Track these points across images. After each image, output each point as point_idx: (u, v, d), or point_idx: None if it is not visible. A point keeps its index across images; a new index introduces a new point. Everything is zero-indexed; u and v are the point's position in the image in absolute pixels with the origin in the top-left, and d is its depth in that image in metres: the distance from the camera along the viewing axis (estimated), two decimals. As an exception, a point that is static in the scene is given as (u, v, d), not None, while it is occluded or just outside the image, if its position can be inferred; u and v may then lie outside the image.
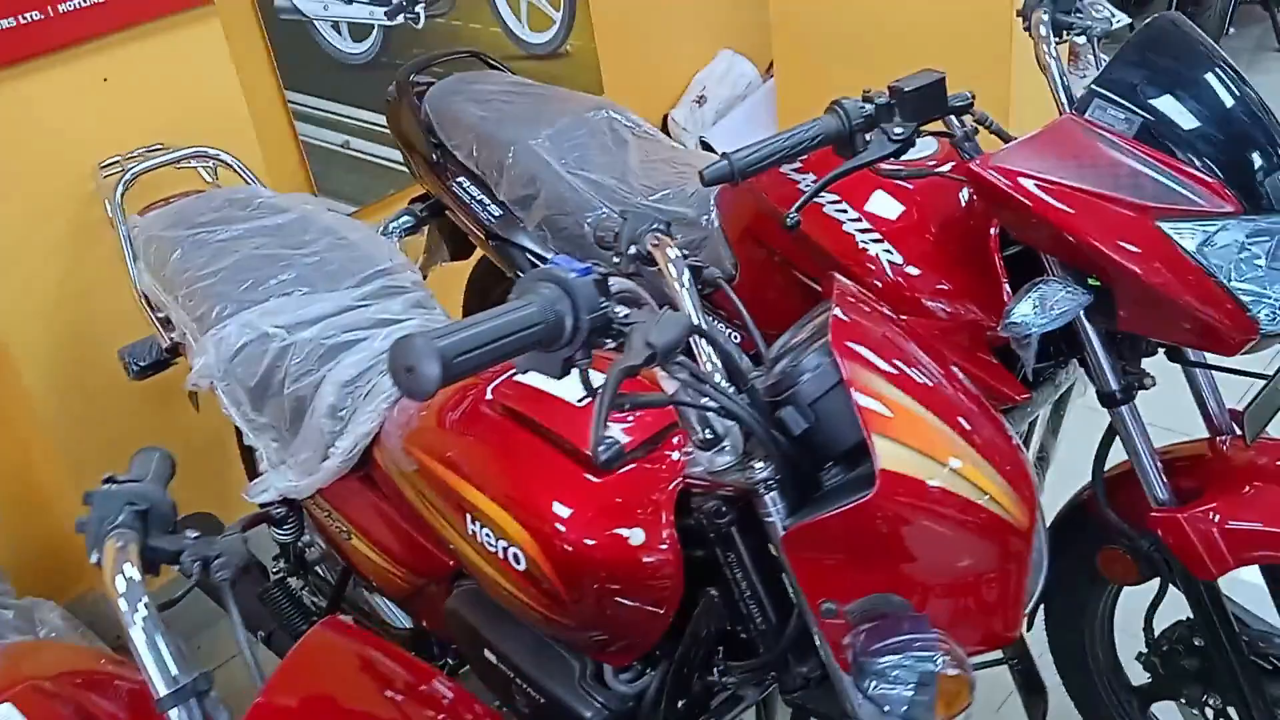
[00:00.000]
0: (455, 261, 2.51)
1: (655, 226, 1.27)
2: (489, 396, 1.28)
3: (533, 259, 2.10)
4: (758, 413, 0.96)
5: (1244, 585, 1.52)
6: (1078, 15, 1.62)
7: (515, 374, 1.26)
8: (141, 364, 1.89)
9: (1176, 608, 1.55)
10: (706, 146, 3.72)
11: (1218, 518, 1.39)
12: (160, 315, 1.86)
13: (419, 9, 2.95)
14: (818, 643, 0.99)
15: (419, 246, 2.52)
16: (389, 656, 0.97)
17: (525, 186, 2.06)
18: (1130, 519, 1.51)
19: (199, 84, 2.27)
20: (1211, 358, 1.43)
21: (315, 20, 2.76)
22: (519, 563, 1.16)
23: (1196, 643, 1.57)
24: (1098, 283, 1.33)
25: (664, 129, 3.80)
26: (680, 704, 1.20)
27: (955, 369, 1.05)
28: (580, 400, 1.08)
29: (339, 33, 2.82)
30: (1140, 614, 1.63)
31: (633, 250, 1.28)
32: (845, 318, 0.99)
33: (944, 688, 0.89)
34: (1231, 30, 4.74)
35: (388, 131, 2.49)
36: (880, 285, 1.54)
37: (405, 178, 2.91)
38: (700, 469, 1.05)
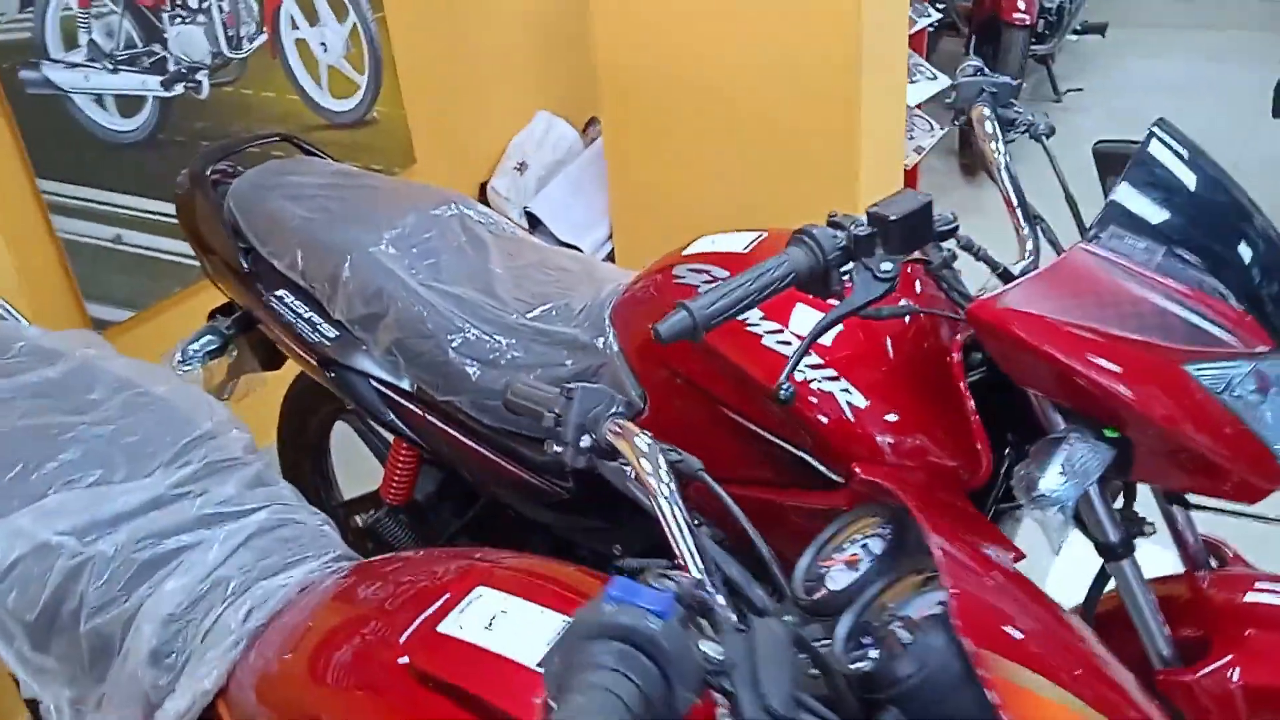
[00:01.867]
0: (268, 372, 2.11)
1: (615, 411, 0.98)
2: (401, 658, 0.94)
3: (380, 388, 1.75)
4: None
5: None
6: (1017, 110, 1.45)
7: (443, 627, 0.93)
8: None
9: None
10: (531, 217, 3.43)
11: (1236, 676, 1.23)
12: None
13: (201, 77, 2.51)
14: None
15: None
16: None
17: (368, 304, 1.70)
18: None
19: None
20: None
21: (74, 94, 2.28)
22: None
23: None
24: (1115, 434, 1.14)
25: (483, 199, 3.48)
26: None
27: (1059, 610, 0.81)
28: (539, 663, 0.79)
29: (104, 108, 2.35)
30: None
31: (585, 441, 0.98)
32: (960, 581, 0.73)
33: None
34: (1022, 84, 4.92)
35: (169, 220, 2.07)
36: (833, 429, 1.30)
37: (191, 271, 2.48)
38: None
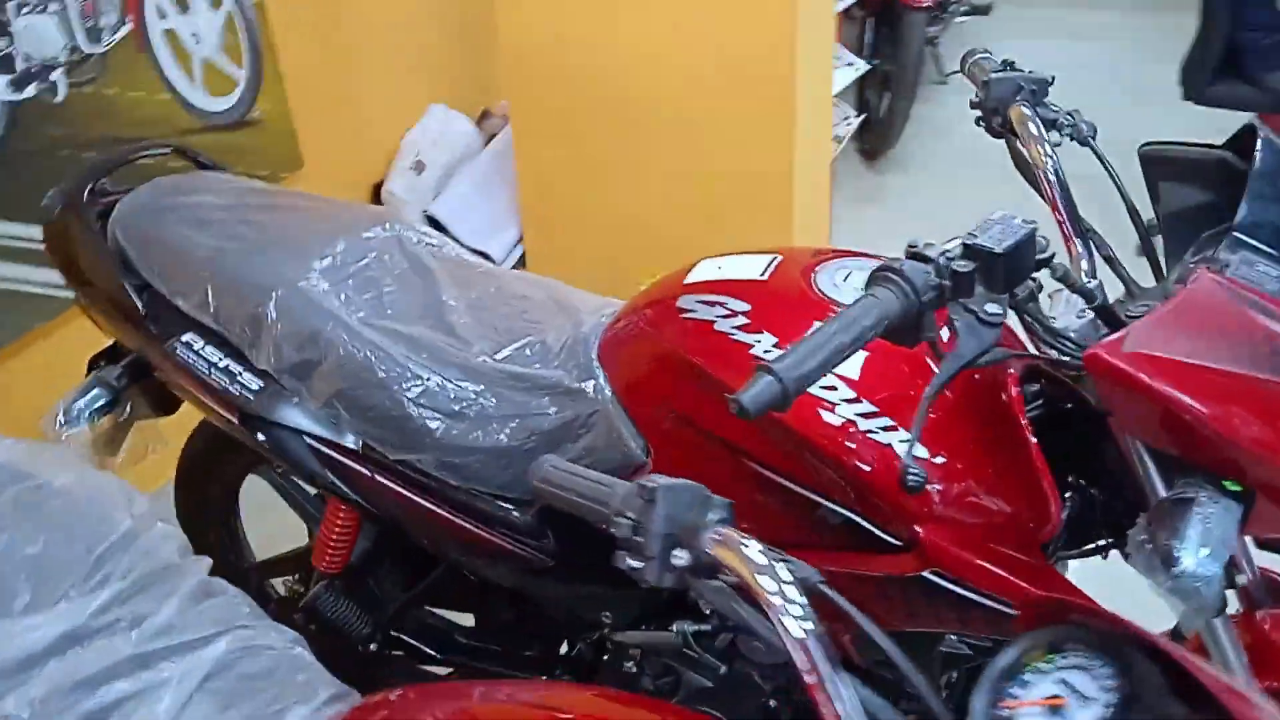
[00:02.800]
0: (164, 417, 1.80)
1: (717, 517, 0.77)
2: None
3: (317, 447, 1.48)
4: None
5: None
6: (1054, 109, 1.30)
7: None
8: None
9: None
10: (433, 222, 3.16)
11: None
12: None
13: (57, 76, 2.16)
14: None
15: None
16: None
17: (301, 350, 1.44)
18: None
19: None
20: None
21: (-99, 100, 1.92)
22: None
23: None
24: (1239, 487, 1.00)
25: (376, 202, 3.19)
26: None
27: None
28: None
29: (-60, 116, 1.99)
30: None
31: (681, 558, 0.77)
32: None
33: None
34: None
35: (23, 245, 1.74)
36: (894, 487, 1.13)
37: (53, 303, 2.15)
38: None
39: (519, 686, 0.94)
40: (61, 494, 1.11)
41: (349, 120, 3.05)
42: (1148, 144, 1.25)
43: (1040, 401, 1.22)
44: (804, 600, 0.73)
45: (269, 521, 2.03)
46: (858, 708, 0.72)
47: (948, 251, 0.94)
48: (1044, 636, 0.73)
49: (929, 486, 1.14)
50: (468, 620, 1.80)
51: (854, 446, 1.14)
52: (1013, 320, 1.17)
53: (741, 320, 1.23)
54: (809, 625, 0.72)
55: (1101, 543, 1.23)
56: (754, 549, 0.75)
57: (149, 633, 0.98)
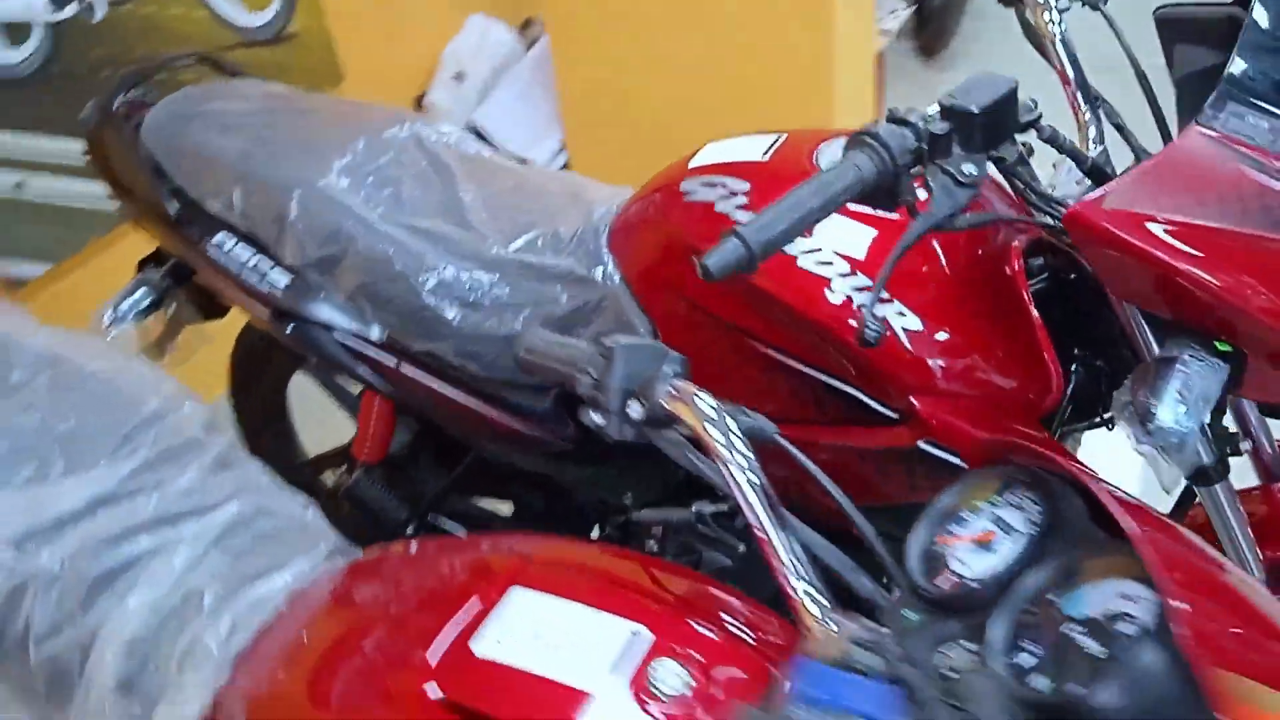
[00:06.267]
0: (211, 322, 1.88)
1: (670, 371, 0.80)
2: (428, 683, 0.76)
3: (345, 340, 1.54)
4: None
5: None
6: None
7: (480, 646, 0.76)
8: None
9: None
10: (477, 131, 3.18)
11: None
12: None
13: (95, -5, 2.21)
14: None
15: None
16: None
17: (324, 245, 1.49)
18: None
19: None
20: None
21: (-52, 21, 1.99)
22: None
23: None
24: (1228, 347, 0.99)
25: (420, 113, 3.22)
26: None
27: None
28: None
29: (-13, 36, 2.05)
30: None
31: (636, 410, 0.80)
32: (1178, 576, 0.57)
33: None
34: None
35: (77, 161, 1.81)
36: (888, 360, 1.14)
37: (112, 215, 2.21)
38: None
39: (541, 541, 0.98)
40: (95, 376, 1.18)
41: (388, 33, 3.07)
42: (1162, 6, 1.21)
43: (1045, 275, 1.21)
44: (749, 451, 0.75)
45: (321, 419, 2.12)
46: (800, 555, 0.74)
47: (927, 115, 0.94)
48: (985, 476, 0.75)
49: (931, 361, 1.15)
50: (506, 509, 1.86)
51: (853, 322, 1.15)
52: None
53: (741, 200, 1.23)
54: (753, 476, 0.75)
55: (1108, 415, 1.23)
56: (705, 401, 0.78)
57: (170, 496, 1.04)
